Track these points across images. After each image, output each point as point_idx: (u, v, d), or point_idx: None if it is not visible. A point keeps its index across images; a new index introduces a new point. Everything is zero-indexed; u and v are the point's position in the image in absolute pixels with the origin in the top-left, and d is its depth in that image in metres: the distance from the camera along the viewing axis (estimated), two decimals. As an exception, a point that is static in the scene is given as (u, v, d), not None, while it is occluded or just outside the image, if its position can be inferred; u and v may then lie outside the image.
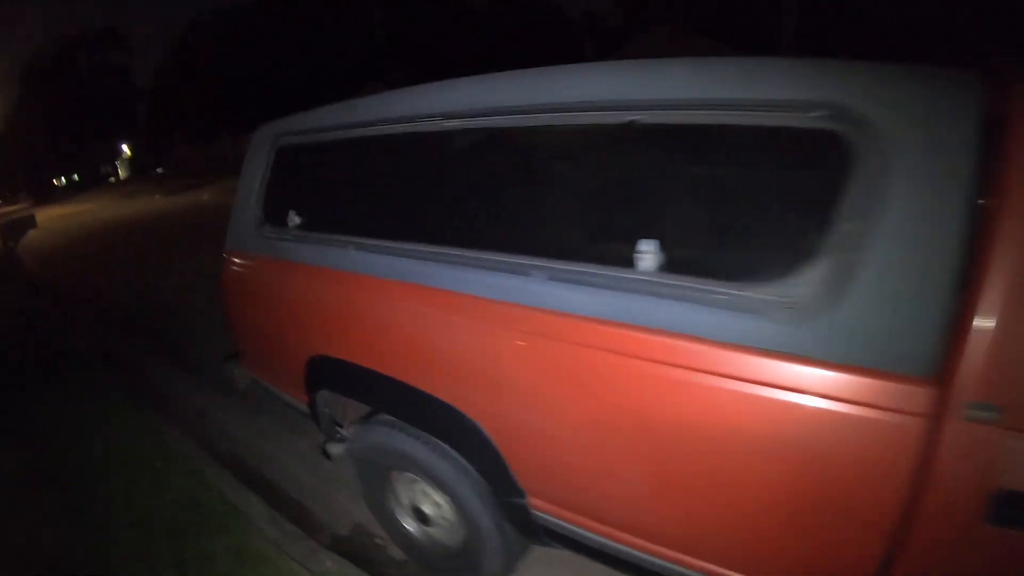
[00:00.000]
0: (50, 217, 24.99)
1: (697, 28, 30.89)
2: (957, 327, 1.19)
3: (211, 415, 4.21)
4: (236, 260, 2.80)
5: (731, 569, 1.57)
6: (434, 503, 2.33)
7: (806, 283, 1.32)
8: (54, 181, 56.51)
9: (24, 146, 48.47)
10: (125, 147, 54.40)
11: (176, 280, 8.62)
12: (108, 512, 3.12)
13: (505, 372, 1.78)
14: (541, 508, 1.88)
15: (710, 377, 1.41)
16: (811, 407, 1.30)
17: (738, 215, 1.50)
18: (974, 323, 1.17)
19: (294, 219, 2.54)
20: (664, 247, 1.51)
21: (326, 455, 2.60)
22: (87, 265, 11.65)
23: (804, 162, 1.41)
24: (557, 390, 1.69)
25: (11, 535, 3.08)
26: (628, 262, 1.54)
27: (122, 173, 56.02)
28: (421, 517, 2.41)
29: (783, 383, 1.33)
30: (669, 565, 1.65)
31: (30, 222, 17.71)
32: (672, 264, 1.50)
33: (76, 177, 56.62)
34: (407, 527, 2.50)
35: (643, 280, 1.52)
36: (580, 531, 1.82)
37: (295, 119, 2.65)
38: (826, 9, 21.73)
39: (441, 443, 2.09)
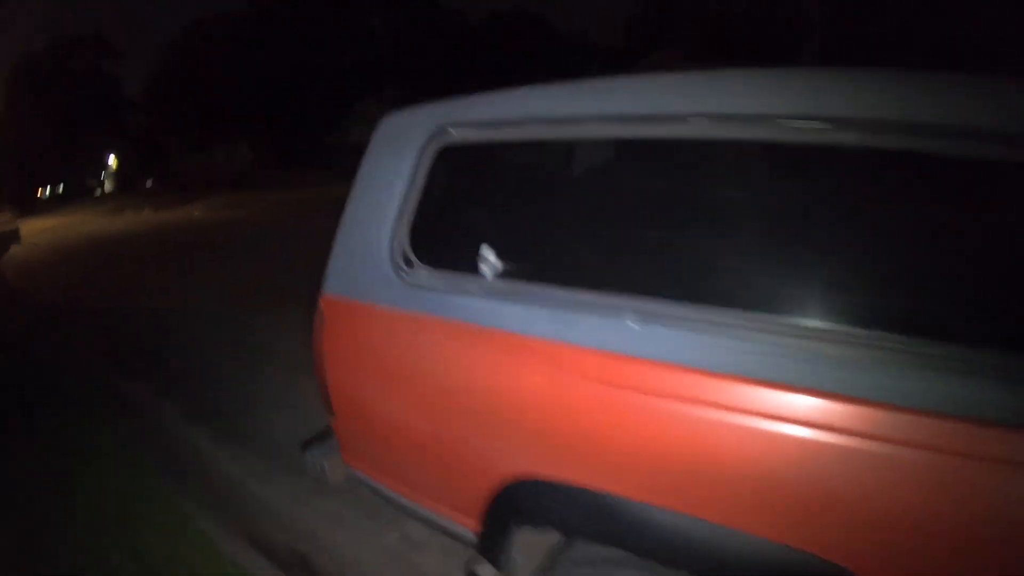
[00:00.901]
0: (33, 231, 23.83)
1: (709, 49, 30.96)
2: None
3: (252, 491, 3.33)
4: (351, 314, 2.09)
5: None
6: None
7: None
8: (37, 193, 55.05)
9: (9, 155, 47.33)
10: (112, 159, 53.37)
11: (179, 304, 7.85)
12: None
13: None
14: None
15: None
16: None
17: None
18: None
19: (489, 261, 1.78)
20: None
21: None
22: (80, 286, 10.72)
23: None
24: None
25: None
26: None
27: (108, 186, 55.05)
28: None
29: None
30: None
31: (13, 237, 16.80)
32: None
33: (60, 189, 55.13)
34: None
35: None
36: None
37: (475, 103, 1.94)
38: (848, 28, 21.39)
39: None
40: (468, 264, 1.82)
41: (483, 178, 2.05)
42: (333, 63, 39.89)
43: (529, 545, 1.81)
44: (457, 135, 1.92)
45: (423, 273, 1.91)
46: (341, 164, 31.06)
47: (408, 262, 1.94)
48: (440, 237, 1.99)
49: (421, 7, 43.97)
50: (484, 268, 1.78)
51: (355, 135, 33.29)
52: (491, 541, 1.83)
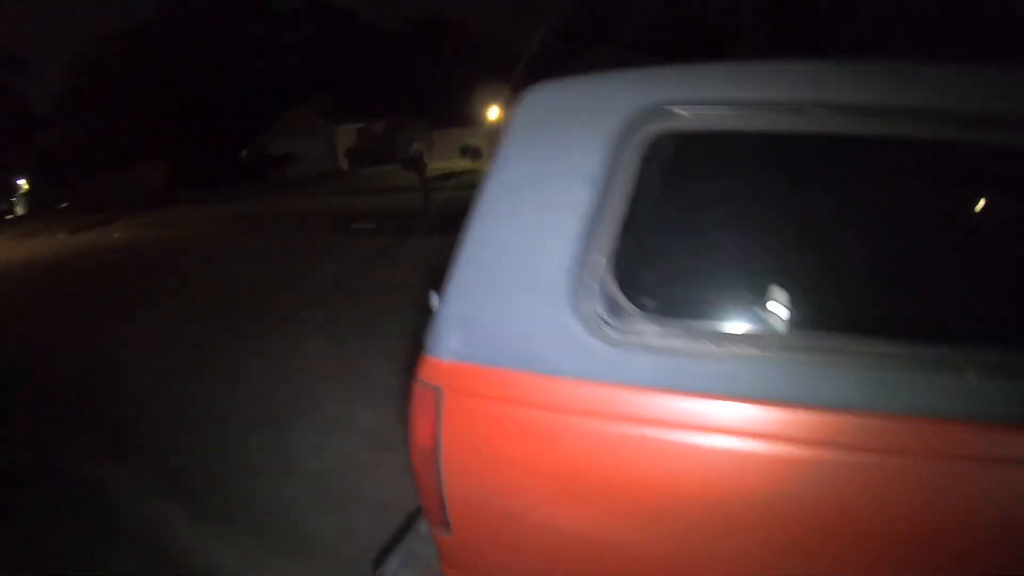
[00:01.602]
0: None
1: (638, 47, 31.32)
2: None
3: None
4: (495, 389, 1.48)
5: None
6: None
7: None
8: (-58, 220, 51.74)
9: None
10: (23, 182, 50.65)
11: (115, 343, 6.90)
12: None
13: None
14: None
15: None
16: None
17: None
18: None
19: (771, 307, 1.35)
20: None
21: None
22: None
23: None
24: None
25: None
26: None
27: (21, 209, 52.30)
28: None
29: None
30: None
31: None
32: None
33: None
34: None
35: None
36: None
37: (718, 73, 1.44)
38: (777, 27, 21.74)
39: None
40: (725, 312, 1.45)
41: (737, 180, 1.57)
42: (251, 76, 38.99)
43: None
44: (688, 118, 1.40)
45: (643, 327, 1.36)
46: (262, 177, 30.28)
47: (614, 310, 1.38)
48: (667, 271, 1.53)
49: (337, 19, 43.78)
50: (759, 316, 1.38)
51: (277, 147, 32.32)
52: None
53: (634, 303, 1.39)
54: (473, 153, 32.40)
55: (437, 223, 13.35)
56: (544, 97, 1.55)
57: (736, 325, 1.40)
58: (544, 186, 1.48)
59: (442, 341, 1.52)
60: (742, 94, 1.39)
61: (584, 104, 1.50)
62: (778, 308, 1.36)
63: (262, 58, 40.02)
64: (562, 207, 1.44)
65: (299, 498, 3.40)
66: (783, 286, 1.39)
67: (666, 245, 1.55)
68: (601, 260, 1.40)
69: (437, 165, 21.40)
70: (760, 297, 1.39)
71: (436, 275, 1.67)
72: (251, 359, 5.74)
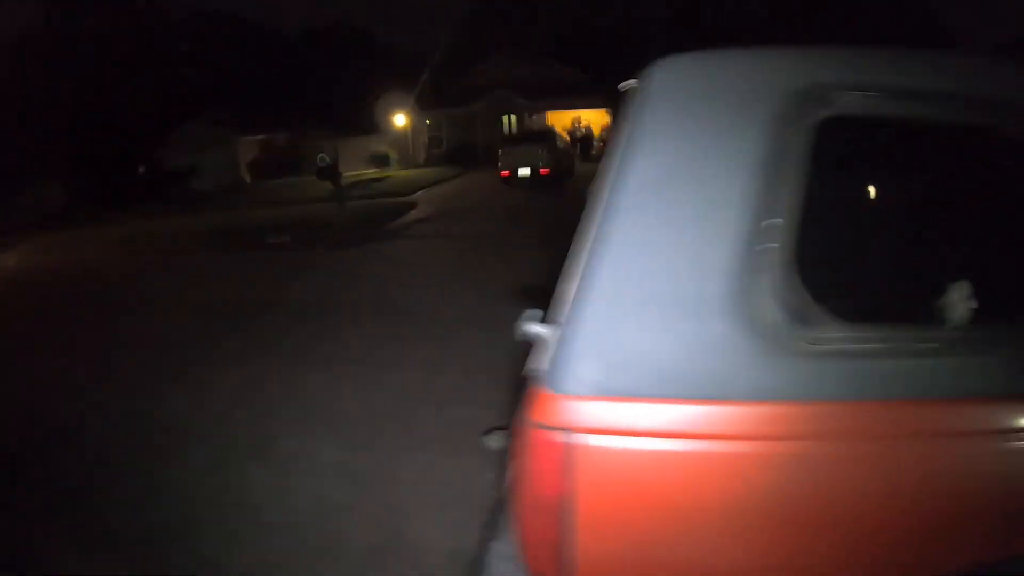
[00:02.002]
0: None
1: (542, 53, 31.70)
2: None
3: None
4: (638, 425, 1.25)
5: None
6: None
7: None
8: None
9: None
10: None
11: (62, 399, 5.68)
12: None
13: None
14: None
15: None
16: None
17: None
18: None
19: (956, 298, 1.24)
20: None
21: None
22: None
23: None
24: None
25: None
26: None
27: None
28: None
29: None
30: None
31: None
32: None
33: None
34: None
35: None
36: None
37: (884, 58, 1.37)
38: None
39: None
40: (915, 308, 1.34)
41: (897, 170, 1.48)
42: (146, 88, 37.05)
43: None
44: (854, 103, 1.29)
45: (835, 332, 1.24)
46: (163, 193, 28.68)
47: (799, 317, 1.23)
48: (857, 269, 1.39)
49: (235, 27, 42.57)
50: (946, 311, 1.26)
51: (177, 161, 30.83)
52: None
53: (822, 306, 1.25)
54: (382, 161, 31.89)
55: (356, 232, 13.02)
56: (681, 75, 1.37)
57: (927, 320, 1.31)
58: (695, 179, 1.29)
59: (572, 373, 1.26)
60: (908, 82, 1.34)
61: (734, 83, 1.34)
62: (964, 301, 1.25)
63: (156, 69, 38.09)
64: (722, 202, 1.27)
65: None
66: (965, 277, 1.27)
67: (841, 239, 1.41)
68: (778, 260, 1.24)
69: (348, 174, 20.96)
70: (944, 291, 1.28)
71: (535, 294, 1.57)
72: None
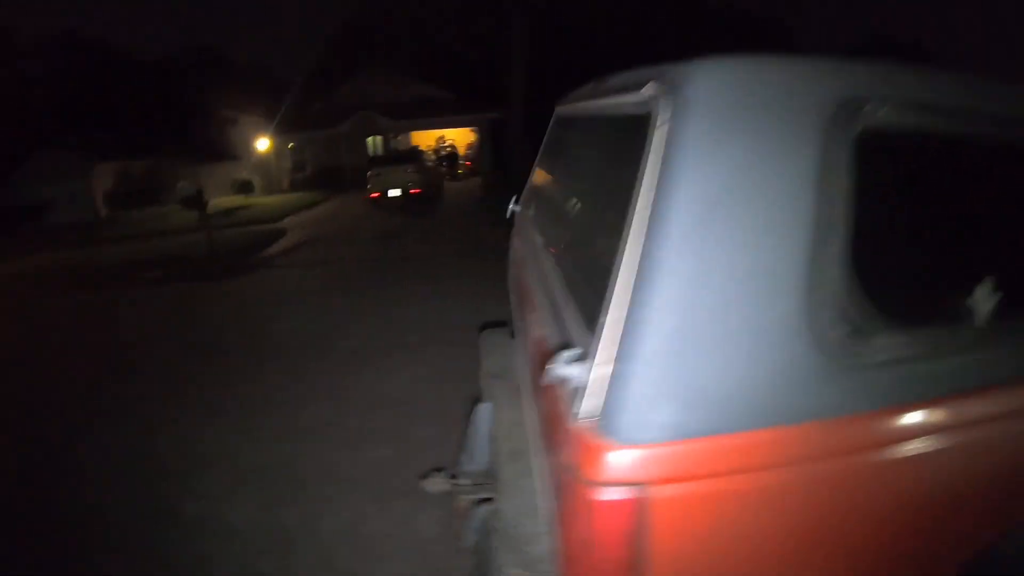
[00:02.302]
0: None
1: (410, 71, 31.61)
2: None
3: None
4: (713, 466, 1.19)
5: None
6: None
7: None
8: None
9: None
10: None
11: None
12: None
13: None
14: None
15: None
16: None
17: None
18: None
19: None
20: None
21: None
22: None
23: None
24: None
25: None
26: None
27: None
28: None
29: None
30: None
31: None
32: None
33: None
34: None
35: None
36: None
37: (913, 76, 1.44)
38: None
39: None
40: (963, 309, 1.37)
41: (931, 182, 1.50)
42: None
43: None
44: (890, 116, 1.33)
45: (894, 341, 1.27)
46: (12, 230, 26.29)
47: (862, 329, 1.24)
48: (899, 277, 1.37)
49: (87, 50, 39.94)
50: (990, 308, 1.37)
51: (27, 194, 28.65)
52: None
53: (876, 315, 1.26)
54: (245, 187, 30.84)
55: (229, 263, 12.73)
56: (725, 81, 1.27)
57: (962, 318, 1.37)
58: (755, 194, 1.22)
59: (641, 418, 1.15)
60: (938, 98, 1.41)
61: (778, 91, 1.28)
62: (989, 298, 1.37)
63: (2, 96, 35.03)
64: (784, 217, 1.22)
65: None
66: (986, 276, 1.38)
67: (884, 249, 1.37)
68: (838, 274, 1.24)
69: (213, 202, 20.10)
70: (971, 290, 1.38)
71: (568, 330, 1.54)
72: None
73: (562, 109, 3.07)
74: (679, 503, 1.17)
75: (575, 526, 1.22)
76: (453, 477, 3.07)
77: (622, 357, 1.16)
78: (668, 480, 1.15)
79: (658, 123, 1.27)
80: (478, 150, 31.62)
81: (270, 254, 14.26)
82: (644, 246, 1.19)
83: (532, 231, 2.86)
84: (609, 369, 1.18)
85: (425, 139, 32.38)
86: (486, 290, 7.85)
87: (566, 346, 1.43)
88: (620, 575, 1.17)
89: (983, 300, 1.36)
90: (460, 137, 32.89)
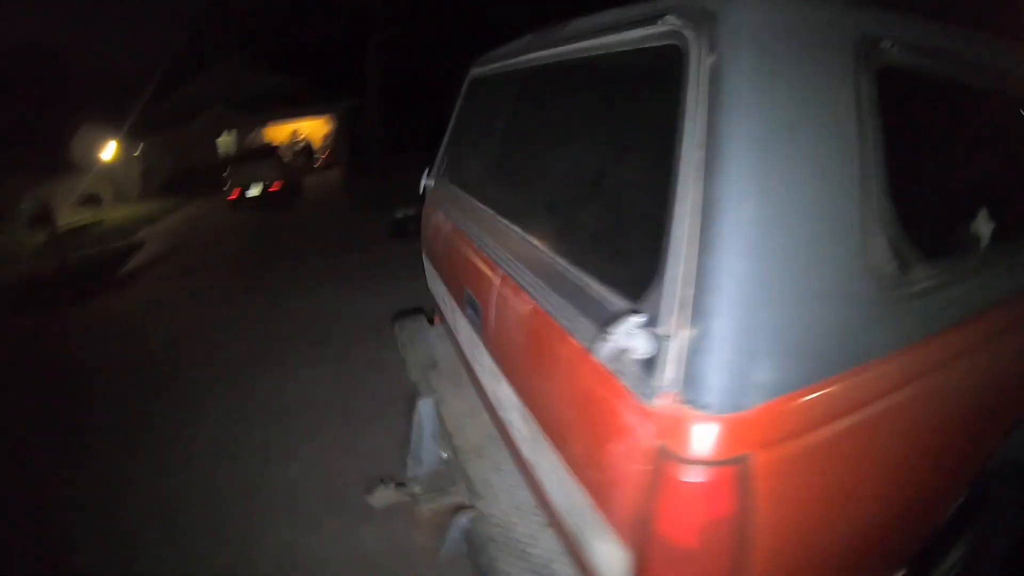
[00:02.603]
0: None
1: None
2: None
3: None
4: (808, 419, 1.16)
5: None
6: None
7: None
8: None
9: None
10: None
11: None
12: None
13: None
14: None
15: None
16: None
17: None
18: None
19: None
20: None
21: None
22: None
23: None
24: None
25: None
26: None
27: None
28: None
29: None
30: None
31: None
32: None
33: None
34: None
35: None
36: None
37: (914, 20, 1.50)
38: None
39: None
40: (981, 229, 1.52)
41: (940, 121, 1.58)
42: None
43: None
44: (906, 55, 1.38)
45: (934, 270, 1.36)
46: None
47: (907, 262, 1.29)
48: (926, 209, 1.41)
49: None
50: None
51: None
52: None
53: (917, 247, 1.32)
54: (93, 200, 28.68)
55: (89, 283, 11.91)
56: (764, 9, 1.21)
57: (973, 242, 1.55)
58: (805, 132, 1.17)
59: (731, 381, 1.07)
60: (939, 44, 1.53)
61: (808, 25, 1.24)
62: (988, 223, 1.56)
63: None
64: (834, 155, 1.20)
65: None
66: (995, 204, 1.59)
67: (912, 183, 1.36)
68: (885, 209, 1.24)
69: (61, 220, 18.46)
70: (986, 216, 1.56)
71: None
72: None
73: (487, 69, 2.83)
74: (781, 465, 1.12)
75: (671, 513, 1.11)
76: (401, 485, 2.90)
77: (702, 316, 1.07)
78: (768, 443, 1.10)
79: (700, 56, 1.19)
80: (335, 141, 30.76)
81: (130, 270, 13.25)
82: (705, 191, 1.11)
83: (468, 202, 2.58)
84: (687, 332, 1.09)
85: (279, 134, 31.23)
86: (372, 277, 7.86)
87: (601, 315, 1.31)
88: (727, 555, 1.11)
89: (984, 227, 1.52)
90: (316, 129, 31.93)
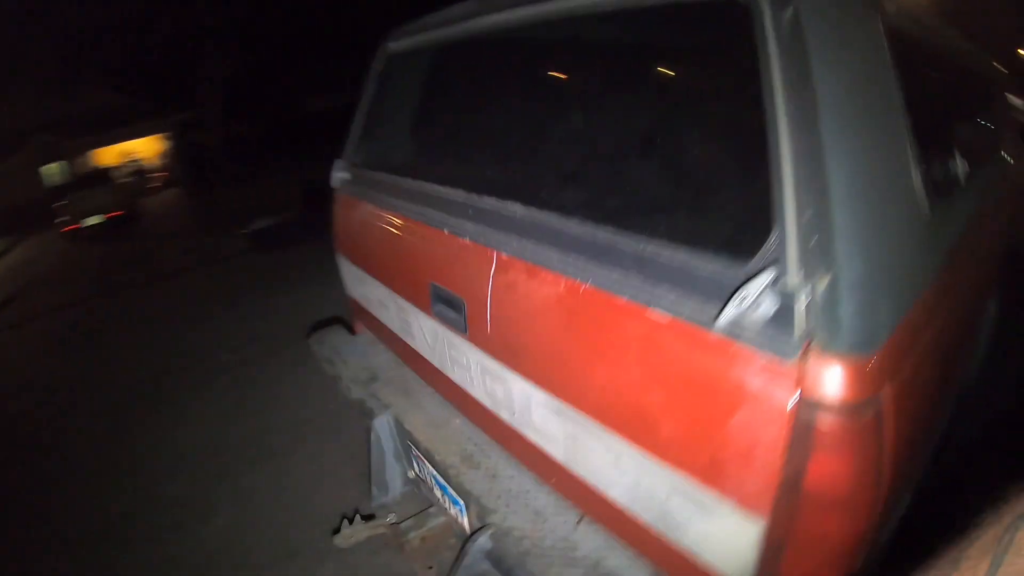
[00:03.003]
0: None
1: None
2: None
3: None
4: (912, 348, 1.25)
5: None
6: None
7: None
8: None
9: None
10: None
11: None
12: None
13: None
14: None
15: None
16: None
17: None
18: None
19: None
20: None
21: None
22: None
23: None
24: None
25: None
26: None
27: None
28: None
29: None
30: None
31: None
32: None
33: None
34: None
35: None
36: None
37: None
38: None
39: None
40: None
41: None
42: None
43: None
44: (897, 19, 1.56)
45: (947, 196, 1.71)
46: None
47: (937, 190, 1.55)
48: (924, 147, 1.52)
49: None
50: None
51: None
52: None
53: (934, 180, 1.55)
54: None
55: None
56: None
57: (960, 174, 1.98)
58: (865, 82, 1.27)
59: (867, 322, 1.11)
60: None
61: None
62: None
63: None
64: (884, 93, 1.32)
65: None
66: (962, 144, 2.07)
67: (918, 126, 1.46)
68: (919, 145, 1.41)
69: None
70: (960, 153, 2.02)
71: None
72: None
73: (414, 40, 2.56)
74: (900, 392, 1.15)
75: (824, 464, 1.11)
76: (369, 518, 2.65)
77: (832, 261, 1.08)
78: (893, 376, 1.13)
79: (776, 8, 1.19)
80: (172, 158, 28.83)
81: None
82: (810, 139, 1.12)
83: (423, 188, 2.23)
84: (819, 280, 1.08)
85: (110, 156, 29.25)
86: (248, 296, 7.47)
87: (698, 282, 1.26)
88: (872, 491, 1.14)
89: (961, 159, 1.93)
90: (148, 147, 30.08)
